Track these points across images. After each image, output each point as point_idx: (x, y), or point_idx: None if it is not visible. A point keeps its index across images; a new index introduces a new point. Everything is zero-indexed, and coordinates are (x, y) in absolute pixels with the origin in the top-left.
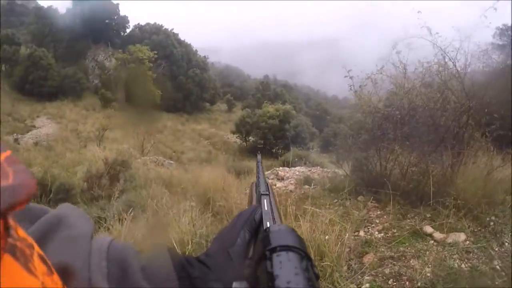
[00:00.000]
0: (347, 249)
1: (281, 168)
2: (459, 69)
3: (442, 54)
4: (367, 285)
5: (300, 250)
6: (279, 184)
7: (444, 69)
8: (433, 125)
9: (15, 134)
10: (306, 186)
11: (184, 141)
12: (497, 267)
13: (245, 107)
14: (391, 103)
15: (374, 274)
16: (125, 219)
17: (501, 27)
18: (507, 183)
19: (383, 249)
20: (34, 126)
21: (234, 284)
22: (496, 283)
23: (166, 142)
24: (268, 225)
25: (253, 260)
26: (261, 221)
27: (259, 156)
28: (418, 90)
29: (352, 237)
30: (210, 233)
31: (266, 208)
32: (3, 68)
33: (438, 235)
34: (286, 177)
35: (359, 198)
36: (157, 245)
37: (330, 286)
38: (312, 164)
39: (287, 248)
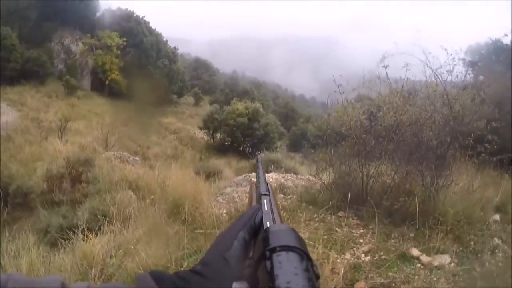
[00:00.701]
0: (337, 275)
1: (253, 173)
2: (448, 95)
3: (434, 77)
4: None
5: (300, 250)
6: None
7: (434, 91)
8: (418, 144)
9: None
10: (281, 196)
11: (150, 135)
12: None
13: (213, 102)
14: (376, 118)
15: None
16: (91, 233)
17: (473, 44)
18: (484, 202)
19: (372, 275)
20: None
21: (234, 284)
22: None
23: (131, 135)
24: (268, 225)
25: (253, 260)
26: (261, 222)
27: (259, 157)
28: (405, 108)
29: (339, 260)
30: (186, 256)
31: (266, 208)
32: None
33: (424, 258)
34: None
35: (340, 213)
36: (140, 275)
37: None
38: (285, 169)
39: (287, 248)
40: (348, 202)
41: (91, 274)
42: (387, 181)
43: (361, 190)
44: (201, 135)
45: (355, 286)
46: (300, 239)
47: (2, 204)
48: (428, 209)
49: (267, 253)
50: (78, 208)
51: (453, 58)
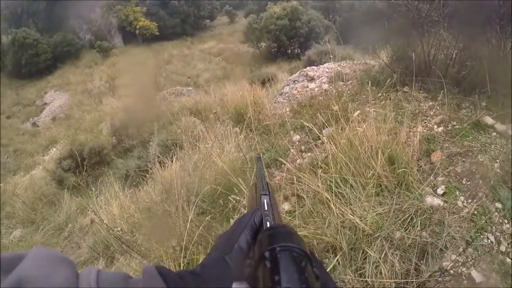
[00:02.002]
0: (410, 148)
1: (308, 68)
2: None
3: None
4: (443, 186)
5: (300, 250)
6: (311, 85)
7: None
8: (477, 4)
9: (31, 119)
10: (341, 83)
11: (195, 65)
12: None
13: (248, 14)
14: None
15: (446, 174)
16: (165, 162)
17: None
18: None
19: (447, 145)
20: (45, 104)
21: (234, 284)
22: None
23: (177, 70)
24: (268, 225)
25: (253, 260)
26: (261, 222)
27: (258, 155)
28: None
29: (411, 133)
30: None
31: (266, 208)
32: None
33: (499, 126)
34: (316, 77)
35: (405, 89)
36: (147, 269)
37: (406, 192)
38: (339, 58)
39: (287, 248)
40: (411, 75)
41: (174, 188)
42: (450, 47)
43: (423, 61)
44: (246, 49)
45: (431, 156)
46: (300, 239)
47: (81, 168)
48: (498, 75)
49: (267, 253)
50: (149, 146)
51: None
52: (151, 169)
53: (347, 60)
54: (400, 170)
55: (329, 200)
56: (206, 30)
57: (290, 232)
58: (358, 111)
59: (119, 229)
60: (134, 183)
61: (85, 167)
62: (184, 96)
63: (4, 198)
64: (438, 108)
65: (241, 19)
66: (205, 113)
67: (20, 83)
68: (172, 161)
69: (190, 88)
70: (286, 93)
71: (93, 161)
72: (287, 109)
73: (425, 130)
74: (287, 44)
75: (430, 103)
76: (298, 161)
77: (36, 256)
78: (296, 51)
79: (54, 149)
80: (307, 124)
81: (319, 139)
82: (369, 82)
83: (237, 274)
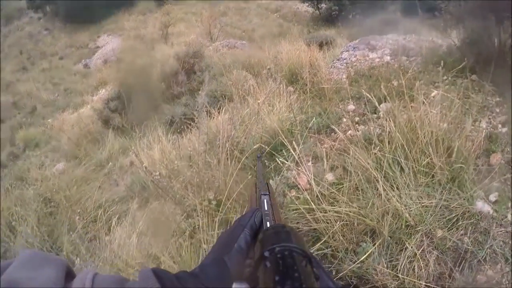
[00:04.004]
0: (471, 143)
1: (370, 36)
2: None
3: None
4: (496, 193)
5: (300, 250)
6: (372, 55)
7: None
8: None
9: (83, 61)
10: (404, 58)
11: (251, 19)
12: None
13: None
14: None
15: (503, 180)
16: (212, 113)
17: None
18: None
19: (509, 149)
20: (98, 47)
21: (234, 285)
22: None
23: (232, 23)
24: (268, 225)
25: (253, 260)
26: (261, 222)
27: (259, 155)
28: None
29: (473, 126)
30: (310, 118)
31: (266, 208)
32: (48, 9)
33: None
34: (378, 47)
35: (473, 77)
36: (143, 270)
37: (457, 190)
38: (404, 31)
39: (287, 248)
40: (483, 64)
41: (218, 141)
42: None
43: (497, 50)
44: (305, 9)
45: (491, 158)
46: (300, 239)
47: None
48: None
49: (267, 253)
50: (197, 95)
51: None
52: (197, 118)
53: (413, 34)
54: (457, 165)
55: (377, 181)
56: None
57: (290, 232)
58: (435, 92)
59: (157, 173)
60: (178, 130)
61: (131, 109)
62: (237, 49)
63: (51, 133)
64: (505, 106)
65: None
66: (257, 68)
67: (73, 27)
68: (219, 112)
69: (244, 42)
70: (345, 59)
71: (139, 104)
72: (344, 76)
73: (488, 128)
74: (349, 8)
75: (498, 99)
76: (349, 132)
77: (22, 260)
78: (358, 16)
79: (103, 90)
80: (367, 95)
81: (375, 113)
82: (441, 62)
83: (236, 275)
